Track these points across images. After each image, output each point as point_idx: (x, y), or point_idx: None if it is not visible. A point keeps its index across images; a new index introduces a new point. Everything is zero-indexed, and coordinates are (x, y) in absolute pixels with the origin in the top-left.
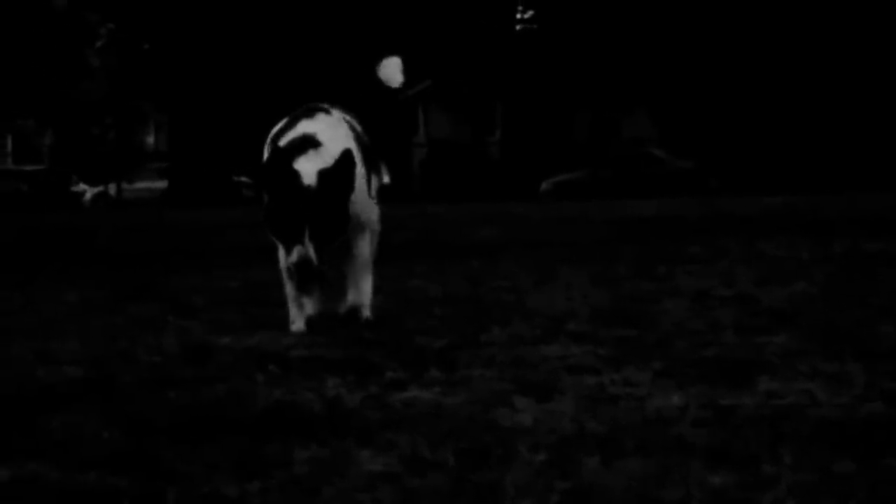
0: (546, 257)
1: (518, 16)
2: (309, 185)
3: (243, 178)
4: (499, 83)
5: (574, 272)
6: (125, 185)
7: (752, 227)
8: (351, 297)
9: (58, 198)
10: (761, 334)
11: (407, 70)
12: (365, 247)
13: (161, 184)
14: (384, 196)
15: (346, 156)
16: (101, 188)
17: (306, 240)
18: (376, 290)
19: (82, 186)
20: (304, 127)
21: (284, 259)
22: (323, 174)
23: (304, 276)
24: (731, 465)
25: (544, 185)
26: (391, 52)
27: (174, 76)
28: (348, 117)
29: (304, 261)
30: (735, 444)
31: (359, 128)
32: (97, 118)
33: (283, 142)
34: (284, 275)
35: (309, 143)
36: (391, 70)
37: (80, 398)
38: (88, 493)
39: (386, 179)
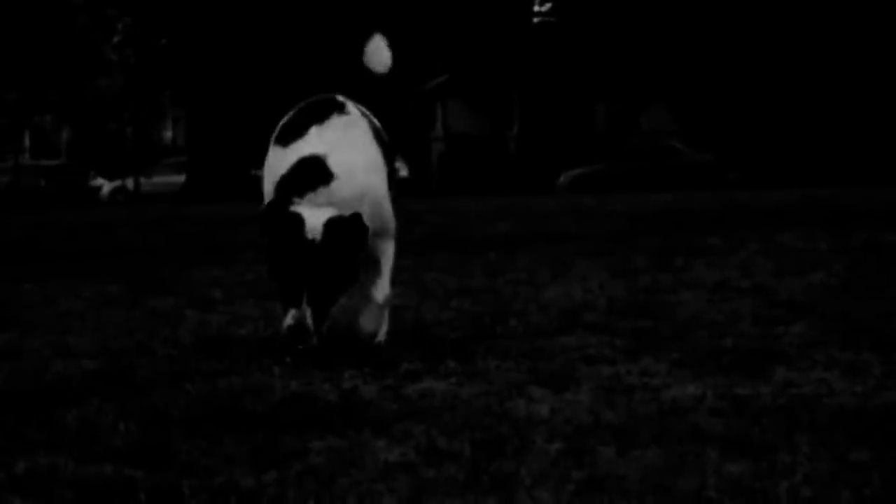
0: (563, 250)
1: (535, 8)
2: (313, 239)
3: (260, 173)
4: (517, 76)
5: (591, 264)
6: (143, 180)
7: (771, 219)
8: (365, 324)
9: (75, 193)
10: (779, 325)
11: (406, 54)
12: (388, 255)
13: (179, 178)
14: (403, 190)
15: (356, 219)
16: (118, 183)
17: (304, 304)
18: (393, 283)
19: (100, 181)
20: (314, 140)
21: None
22: (331, 225)
23: (298, 342)
24: (748, 455)
25: (562, 179)
26: (384, 35)
27: (191, 71)
28: (366, 111)
29: (298, 327)
30: (751, 433)
31: (377, 123)
32: (114, 113)
33: (290, 157)
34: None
35: (319, 175)
36: (376, 53)
37: (97, 391)
38: (104, 485)
39: (404, 173)
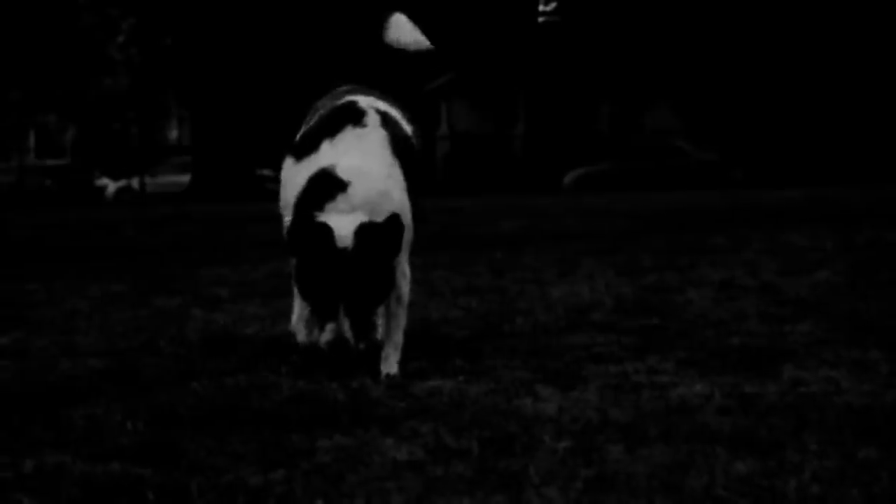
0: (569, 249)
1: (540, 8)
2: (345, 248)
3: (265, 172)
4: (521, 76)
5: (597, 263)
6: (148, 180)
7: (776, 217)
8: (386, 368)
9: (81, 192)
10: (785, 323)
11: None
12: (404, 273)
13: (184, 177)
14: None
15: (394, 220)
16: (123, 182)
17: (341, 316)
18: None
19: (105, 181)
20: (326, 153)
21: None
22: (361, 232)
23: (339, 357)
24: (756, 453)
25: (567, 178)
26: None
27: (196, 70)
28: (392, 112)
29: (339, 341)
30: (759, 431)
31: (404, 125)
32: (119, 113)
33: (302, 172)
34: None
35: (333, 184)
36: (403, 30)
37: (104, 390)
38: (112, 484)
39: None
